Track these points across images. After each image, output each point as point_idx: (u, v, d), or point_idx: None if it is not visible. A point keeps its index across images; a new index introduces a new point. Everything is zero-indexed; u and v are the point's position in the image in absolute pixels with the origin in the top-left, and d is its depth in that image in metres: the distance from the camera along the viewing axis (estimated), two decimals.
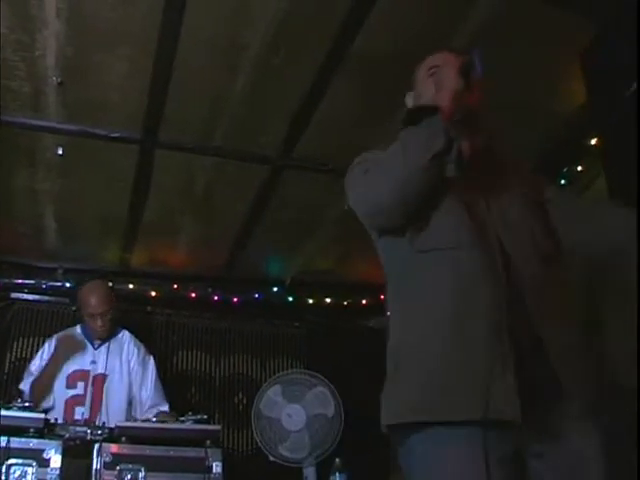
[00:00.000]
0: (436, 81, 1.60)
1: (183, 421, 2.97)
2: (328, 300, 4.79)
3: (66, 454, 2.62)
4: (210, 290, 4.57)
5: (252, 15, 2.58)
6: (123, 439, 2.73)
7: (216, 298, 4.59)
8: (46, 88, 2.84)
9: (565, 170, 3.36)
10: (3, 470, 2.48)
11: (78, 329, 3.47)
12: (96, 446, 2.66)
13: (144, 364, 3.46)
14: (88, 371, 3.31)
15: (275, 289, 4.70)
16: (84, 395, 3.25)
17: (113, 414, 3.19)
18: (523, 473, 1.42)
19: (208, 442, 2.84)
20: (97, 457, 2.64)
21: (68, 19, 2.52)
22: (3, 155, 3.21)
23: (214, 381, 4.54)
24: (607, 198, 2.54)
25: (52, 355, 3.37)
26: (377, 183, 1.55)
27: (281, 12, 2.55)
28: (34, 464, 2.53)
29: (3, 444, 2.50)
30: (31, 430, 2.60)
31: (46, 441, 2.61)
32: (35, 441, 2.59)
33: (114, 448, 2.69)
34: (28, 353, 4.00)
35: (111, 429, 2.79)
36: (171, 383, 3.81)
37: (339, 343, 4.73)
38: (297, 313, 4.80)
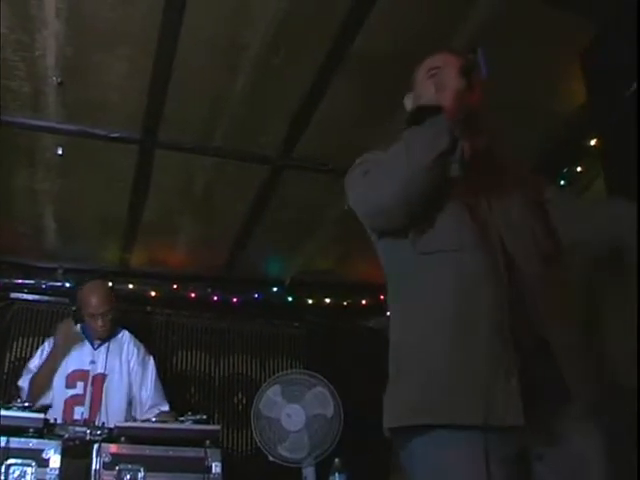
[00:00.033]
0: (436, 82, 1.59)
1: (182, 421, 2.97)
2: (328, 300, 4.79)
3: (65, 454, 2.61)
4: (210, 290, 4.56)
5: (252, 15, 2.58)
6: (122, 439, 2.73)
7: (216, 298, 4.58)
8: (46, 88, 2.84)
9: (565, 171, 3.35)
10: (2, 470, 2.47)
11: (77, 327, 3.46)
12: (95, 446, 2.66)
13: (144, 364, 3.46)
14: (87, 371, 3.31)
15: (275, 289, 4.69)
16: (83, 395, 3.25)
17: (112, 414, 3.19)
18: (527, 475, 1.41)
19: (207, 442, 2.83)
20: (96, 457, 2.63)
21: (68, 19, 2.52)
22: (3, 155, 3.21)
23: (213, 381, 4.54)
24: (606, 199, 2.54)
25: (51, 349, 3.37)
26: (380, 184, 1.54)
27: (281, 12, 2.55)
28: (33, 464, 2.53)
29: (2, 444, 2.50)
30: (30, 430, 2.60)
31: (45, 441, 2.61)
32: (34, 441, 2.58)
33: (113, 448, 2.68)
34: (28, 353, 3.99)
35: (110, 429, 2.78)
36: (171, 383, 3.81)
37: (339, 343, 4.73)
38: (297, 313, 4.80)
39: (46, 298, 4.27)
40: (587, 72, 2.66)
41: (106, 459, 2.64)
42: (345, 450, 3.98)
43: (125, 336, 3.50)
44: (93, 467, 2.62)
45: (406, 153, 1.49)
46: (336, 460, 3.54)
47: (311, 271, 4.58)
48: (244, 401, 4.50)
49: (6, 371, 4.02)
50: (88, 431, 2.73)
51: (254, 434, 4.16)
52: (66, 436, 2.67)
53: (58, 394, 3.25)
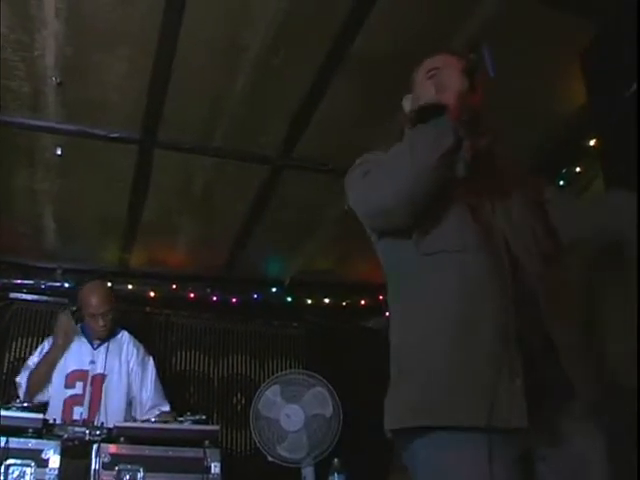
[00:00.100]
0: (437, 83, 1.59)
1: (182, 421, 2.97)
2: (327, 300, 4.79)
3: (65, 454, 2.61)
4: (209, 290, 4.57)
5: (252, 15, 2.57)
6: (122, 439, 2.73)
7: (215, 298, 4.58)
8: (45, 88, 2.84)
9: (564, 171, 3.35)
10: (2, 470, 2.47)
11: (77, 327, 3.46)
12: (95, 446, 2.66)
13: (143, 365, 3.46)
14: (87, 371, 3.31)
15: (274, 289, 4.70)
16: (83, 395, 3.24)
17: (112, 414, 3.19)
18: (530, 476, 1.41)
19: (207, 442, 2.83)
20: (96, 457, 2.63)
21: (67, 19, 2.52)
22: (2, 155, 3.20)
23: (213, 381, 4.54)
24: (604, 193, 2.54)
25: (51, 345, 3.37)
26: (382, 183, 1.53)
27: (281, 12, 2.55)
28: (33, 464, 2.53)
29: (2, 444, 2.50)
30: (30, 430, 2.60)
31: (45, 441, 2.61)
32: (34, 441, 2.58)
33: (113, 448, 2.68)
34: (27, 353, 3.98)
35: (110, 429, 2.78)
36: (170, 383, 3.80)
37: (338, 343, 4.73)
38: (296, 313, 4.80)
39: (45, 298, 4.27)
40: (587, 72, 2.65)
41: (105, 459, 2.64)
42: (344, 450, 3.98)
43: (125, 336, 3.50)
44: (92, 467, 2.62)
45: (410, 153, 1.49)
46: (335, 460, 3.54)
47: (311, 271, 4.58)
48: (243, 401, 4.50)
49: (5, 371, 4.01)
50: (87, 431, 2.72)
51: (253, 434, 4.16)
52: (65, 436, 2.67)
53: (57, 394, 3.25)
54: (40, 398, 3.21)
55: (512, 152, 2.40)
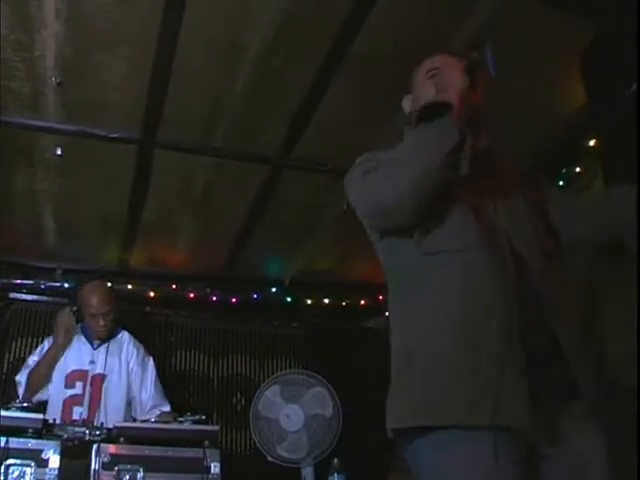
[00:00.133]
0: (438, 82, 1.59)
1: (181, 421, 2.97)
2: (327, 301, 4.79)
3: (64, 454, 2.61)
4: (209, 290, 4.57)
5: (252, 15, 2.57)
6: (121, 439, 2.73)
7: (215, 298, 4.58)
8: (45, 88, 2.84)
9: (564, 171, 3.35)
10: (2, 470, 2.47)
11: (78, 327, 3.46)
12: (94, 446, 2.65)
13: (143, 365, 3.46)
14: (87, 371, 3.30)
15: (274, 289, 4.69)
16: (82, 395, 3.24)
17: (111, 414, 3.19)
18: (534, 476, 1.40)
19: (206, 442, 2.83)
20: (95, 457, 2.63)
21: (67, 19, 2.52)
22: (2, 155, 3.20)
23: (212, 381, 4.54)
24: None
25: (51, 345, 3.37)
26: (385, 183, 1.52)
27: (281, 12, 2.55)
28: (32, 464, 2.52)
29: (2, 444, 2.49)
30: (29, 430, 2.60)
31: (44, 441, 2.61)
32: (33, 441, 2.58)
33: (112, 448, 2.68)
34: (27, 353, 3.97)
35: (109, 429, 2.78)
36: (169, 383, 3.80)
37: (337, 344, 4.72)
38: (296, 314, 4.80)
39: (45, 298, 4.27)
40: (587, 72, 2.65)
41: (105, 459, 2.64)
42: (344, 450, 3.98)
43: (125, 337, 3.50)
44: (92, 467, 2.62)
45: (415, 151, 1.49)
46: (335, 460, 3.54)
47: (311, 271, 4.58)
48: (243, 401, 4.50)
49: (5, 371, 4.01)
50: (87, 431, 2.72)
51: (253, 434, 4.16)
52: (65, 436, 2.67)
53: (57, 394, 3.25)
54: (39, 397, 3.22)
55: (512, 152, 2.40)
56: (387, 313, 1.66)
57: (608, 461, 1.42)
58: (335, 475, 3.45)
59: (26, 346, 4.10)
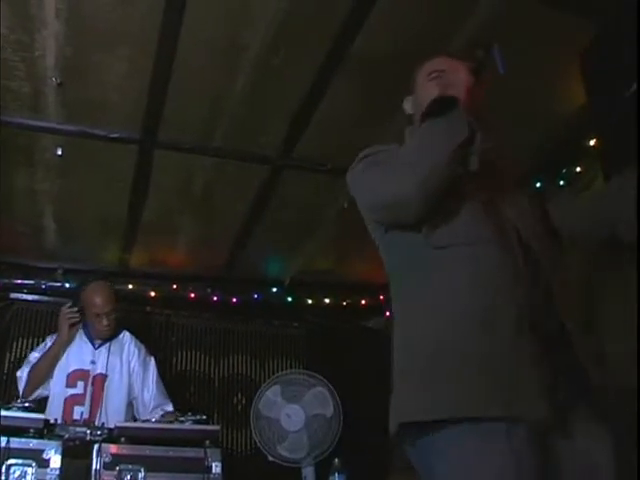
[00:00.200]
0: (442, 83, 1.59)
1: (182, 421, 2.96)
2: (327, 300, 4.79)
3: (66, 454, 2.61)
4: (209, 290, 4.57)
5: (252, 15, 2.57)
6: (122, 439, 2.73)
7: (215, 298, 4.58)
8: (45, 88, 2.84)
9: (564, 171, 3.36)
10: (3, 470, 2.47)
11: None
12: (95, 446, 2.65)
13: (145, 365, 3.46)
14: (88, 371, 3.30)
15: (274, 289, 4.70)
16: (84, 394, 3.24)
17: (112, 414, 3.19)
18: (551, 465, 1.38)
19: (207, 442, 2.83)
20: (97, 457, 2.63)
21: (67, 19, 2.52)
22: (2, 155, 3.20)
23: (213, 381, 4.55)
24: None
25: (54, 341, 3.37)
26: (393, 177, 1.51)
27: (281, 12, 2.55)
28: (34, 464, 2.52)
29: (3, 444, 2.50)
30: (31, 430, 2.60)
31: (46, 441, 2.61)
32: (35, 441, 2.58)
33: (113, 448, 2.68)
34: (27, 353, 3.97)
35: (110, 429, 2.78)
36: (170, 383, 3.80)
37: (338, 343, 4.73)
38: (296, 313, 4.80)
39: (46, 298, 4.27)
40: (587, 72, 2.65)
41: (106, 459, 2.64)
42: (344, 450, 3.99)
43: (126, 337, 3.50)
44: (93, 467, 2.62)
45: (425, 145, 1.48)
46: (335, 460, 3.55)
47: (311, 271, 4.58)
48: (244, 401, 4.51)
49: (6, 371, 4.02)
50: (88, 431, 2.72)
51: (254, 434, 4.17)
52: (66, 436, 2.67)
53: (58, 393, 3.25)
54: (40, 393, 3.22)
55: (512, 152, 2.40)
56: (390, 309, 1.63)
57: (614, 461, 1.42)
58: (336, 475, 3.46)
59: (27, 346, 4.11)
